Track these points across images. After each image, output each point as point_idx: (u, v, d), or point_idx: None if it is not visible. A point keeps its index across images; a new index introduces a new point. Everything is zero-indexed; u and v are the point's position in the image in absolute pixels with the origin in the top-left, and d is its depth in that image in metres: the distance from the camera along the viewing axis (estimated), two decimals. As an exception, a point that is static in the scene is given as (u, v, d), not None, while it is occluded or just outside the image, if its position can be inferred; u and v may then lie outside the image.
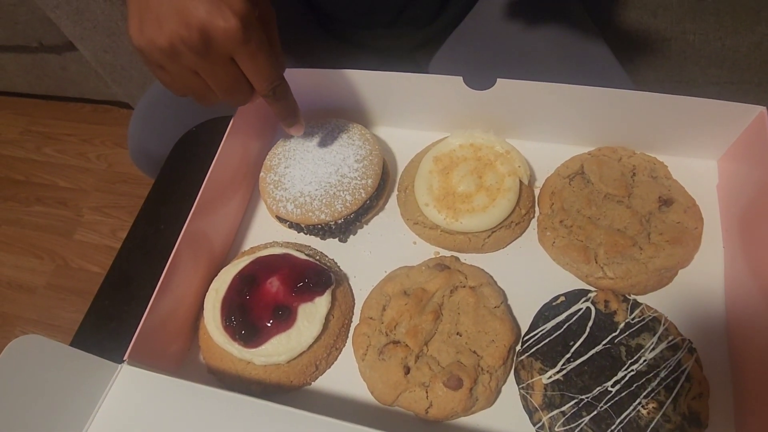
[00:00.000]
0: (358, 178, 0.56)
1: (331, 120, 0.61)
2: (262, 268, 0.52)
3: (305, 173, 0.57)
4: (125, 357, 0.45)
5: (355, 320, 0.53)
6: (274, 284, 0.51)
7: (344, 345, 0.52)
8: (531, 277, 0.53)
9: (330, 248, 0.58)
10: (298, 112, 0.53)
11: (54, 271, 1.62)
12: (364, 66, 0.59)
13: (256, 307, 0.50)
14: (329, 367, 0.51)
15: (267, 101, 0.48)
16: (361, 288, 0.55)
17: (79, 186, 1.76)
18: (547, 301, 0.51)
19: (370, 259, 0.57)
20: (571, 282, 0.52)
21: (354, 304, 0.54)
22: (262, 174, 0.60)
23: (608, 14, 1.02)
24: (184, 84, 0.45)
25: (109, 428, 0.42)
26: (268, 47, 0.43)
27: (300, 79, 0.61)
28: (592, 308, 0.48)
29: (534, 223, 0.56)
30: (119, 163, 1.79)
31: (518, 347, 0.49)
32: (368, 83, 0.60)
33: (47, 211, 1.72)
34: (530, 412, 0.46)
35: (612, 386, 0.44)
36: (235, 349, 0.49)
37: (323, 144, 0.58)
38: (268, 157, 0.61)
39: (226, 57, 0.42)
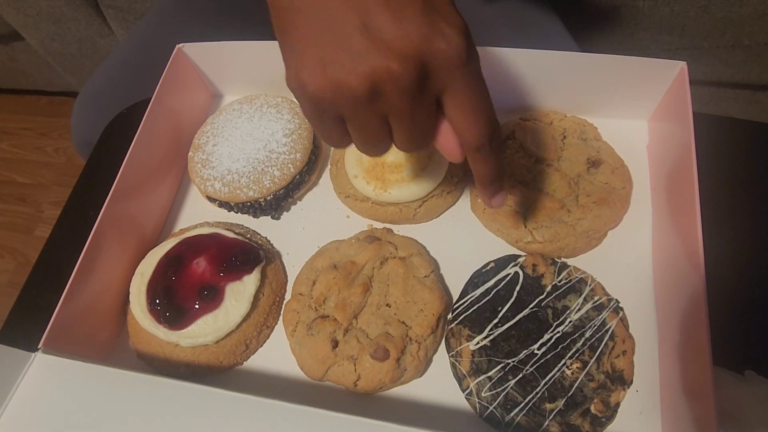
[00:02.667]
0: (287, 153, 0.54)
1: (261, 95, 0.59)
2: (188, 249, 0.51)
3: (233, 150, 0.55)
4: (40, 345, 0.43)
5: (288, 297, 0.52)
6: (200, 264, 0.50)
7: (276, 323, 0.51)
8: (464, 245, 0.53)
9: (263, 226, 0.57)
10: (504, 173, 0.39)
11: (15, 269, 1.58)
12: None
13: (182, 289, 0.49)
14: (261, 345, 0.50)
15: (476, 158, 0.36)
16: (295, 265, 0.54)
17: (38, 181, 1.71)
18: (478, 268, 0.50)
19: (303, 235, 0.56)
20: (502, 248, 0.52)
21: (287, 281, 0.53)
22: (190, 153, 0.58)
23: (559, -17, 1.01)
24: (364, 136, 0.34)
25: (22, 419, 0.40)
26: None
27: (227, 52, 0.59)
28: (520, 272, 0.48)
29: (467, 191, 0.55)
30: (79, 156, 1.74)
31: (449, 316, 0.49)
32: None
33: (6, 208, 1.68)
34: (459, 379, 0.46)
35: (538, 349, 0.44)
36: (161, 332, 0.48)
37: (252, 120, 0.57)
38: (196, 135, 0.59)
39: (438, 92, 0.32)
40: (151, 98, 0.68)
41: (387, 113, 0.32)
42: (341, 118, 0.33)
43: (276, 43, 0.56)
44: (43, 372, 0.42)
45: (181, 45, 0.58)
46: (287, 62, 0.33)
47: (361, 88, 0.30)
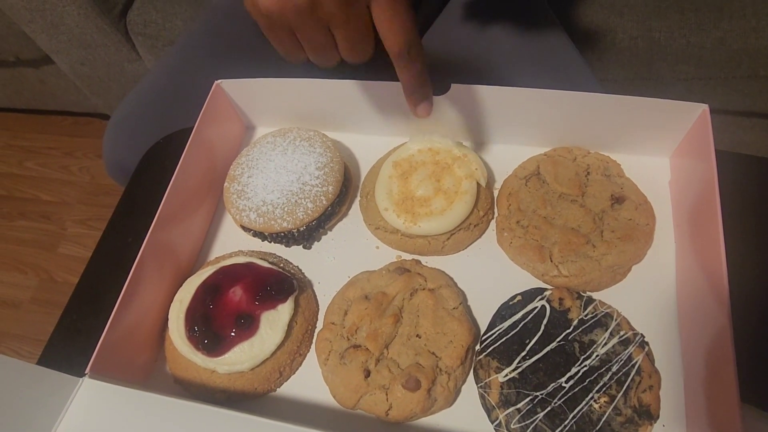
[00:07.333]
0: (319, 186, 0.56)
1: (294, 128, 0.62)
2: (225, 278, 0.53)
3: (267, 182, 0.57)
4: (87, 370, 0.45)
5: (320, 326, 0.54)
6: (237, 293, 0.52)
7: (308, 351, 0.53)
8: (490, 277, 0.54)
9: (295, 255, 0.59)
10: (430, 84, 0.46)
11: (39, 286, 1.61)
12: (339, 73, 0.57)
13: (219, 317, 0.51)
14: (293, 373, 0.52)
15: (399, 65, 0.43)
16: (326, 294, 0.56)
17: (62, 199, 1.76)
18: (505, 300, 0.52)
19: (334, 265, 0.58)
20: (528, 281, 0.53)
21: (318, 310, 0.55)
22: (226, 184, 0.60)
23: (576, 15, 1.03)
24: (312, 44, 0.41)
25: (72, 441, 0.42)
26: None
27: (261, 87, 0.62)
28: (547, 306, 0.49)
29: (493, 224, 0.57)
30: (102, 175, 1.79)
31: (477, 347, 0.50)
32: (331, 91, 0.61)
33: (30, 225, 1.72)
34: (488, 410, 0.47)
35: (566, 382, 0.45)
36: (198, 358, 0.50)
37: (285, 152, 0.59)
38: (232, 167, 0.61)
39: (368, 2, 0.39)
40: (185, 128, 0.71)
41: (328, 22, 0.39)
42: (291, 30, 0.40)
43: (307, 80, 0.59)
44: (90, 396, 0.44)
45: (219, 81, 0.61)
46: None
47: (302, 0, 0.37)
